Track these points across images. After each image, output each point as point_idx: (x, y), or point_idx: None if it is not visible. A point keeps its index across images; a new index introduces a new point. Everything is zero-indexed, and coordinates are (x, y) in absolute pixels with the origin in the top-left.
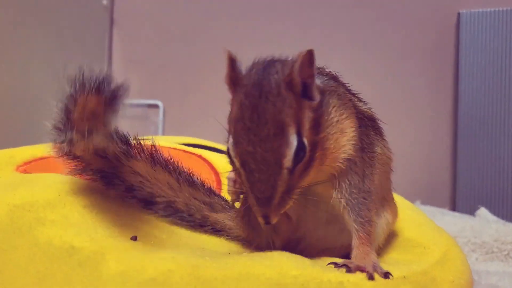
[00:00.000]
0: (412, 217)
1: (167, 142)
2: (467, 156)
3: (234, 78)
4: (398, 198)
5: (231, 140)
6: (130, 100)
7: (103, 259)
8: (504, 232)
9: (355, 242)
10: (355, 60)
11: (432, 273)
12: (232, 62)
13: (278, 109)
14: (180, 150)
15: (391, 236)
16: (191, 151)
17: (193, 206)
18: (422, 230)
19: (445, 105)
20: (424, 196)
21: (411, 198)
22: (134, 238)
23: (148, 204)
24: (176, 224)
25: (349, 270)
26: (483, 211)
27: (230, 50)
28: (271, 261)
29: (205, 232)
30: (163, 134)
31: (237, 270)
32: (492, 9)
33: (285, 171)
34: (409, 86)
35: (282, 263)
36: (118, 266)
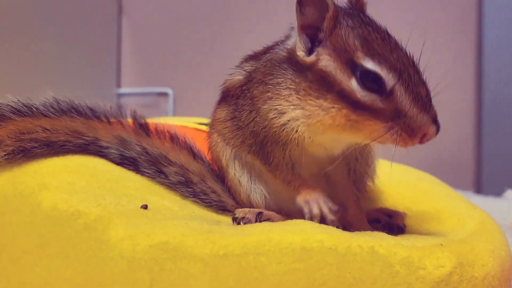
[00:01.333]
0: (441, 190)
1: (180, 121)
2: (492, 136)
3: None
4: (422, 173)
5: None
6: (140, 88)
7: (111, 223)
8: None
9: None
10: None
11: (471, 243)
12: None
13: None
14: (192, 128)
15: (421, 207)
16: (202, 129)
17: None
18: (454, 202)
19: (469, 84)
20: (448, 178)
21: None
22: (145, 207)
23: (159, 172)
24: (187, 198)
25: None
26: (510, 193)
27: None
28: (293, 226)
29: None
30: None
31: (256, 236)
32: None
33: None
34: (431, 65)
35: (305, 228)
36: (127, 230)
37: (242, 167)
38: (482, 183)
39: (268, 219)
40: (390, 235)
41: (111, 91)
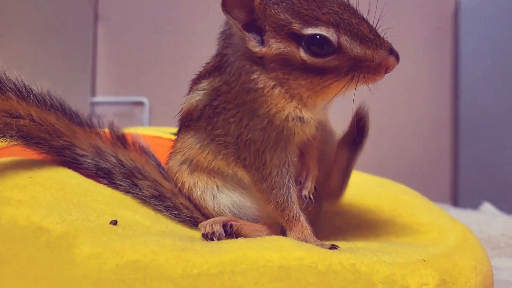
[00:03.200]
0: (422, 204)
1: (155, 132)
2: (469, 149)
3: None
4: (403, 187)
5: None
6: (115, 97)
7: (76, 240)
8: (511, 226)
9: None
10: None
11: (453, 258)
12: None
13: None
14: (166, 138)
15: (402, 221)
16: None
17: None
18: (434, 215)
19: (445, 96)
20: (425, 191)
21: None
22: (114, 223)
23: (134, 185)
24: (161, 212)
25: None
26: (487, 206)
27: None
28: (271, 243)
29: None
30: None
31: (232, 253)
32: None
33: None
34: (408, 77)
35: (284, 245)
36: (94, 248)
37: (207, 184)
38: (459, 196)
39: (238, 229)
40: (370, 250)
41: (85, 99)
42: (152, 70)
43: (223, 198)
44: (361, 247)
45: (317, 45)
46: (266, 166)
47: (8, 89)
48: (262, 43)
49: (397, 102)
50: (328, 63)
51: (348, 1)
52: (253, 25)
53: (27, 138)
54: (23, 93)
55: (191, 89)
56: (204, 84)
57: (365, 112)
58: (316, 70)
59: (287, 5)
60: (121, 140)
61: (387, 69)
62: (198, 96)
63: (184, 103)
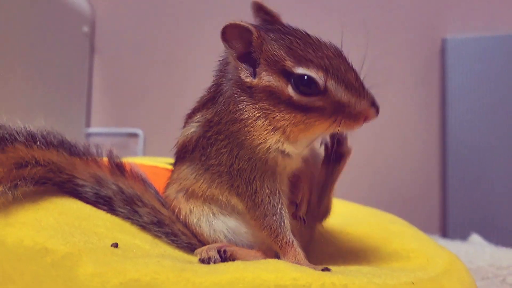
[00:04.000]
0: (411, 233)
1: (151, 161)
2: (457, 182)
3: None
4: (392, 216)
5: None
6: (109, 128)
7: (79, 260)
8: (499, 257)
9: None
10: None
11: (441, 282)
12: None
13: None
14: (162, 168)
15: (391, 248)
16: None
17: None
18: (423, 243)
19: (433, 130)
20: (414, 223)
21: None
22: (115, 245)
23: (134, 212)
24: (159, 238)
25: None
26: (475, 237)
27: None
28: (267, 265)
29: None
30: None
31: (230, 274)
32: (477, 36)
33: None
34: (397, 112)
35: (279, 266)
36: (97, 267)
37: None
38: (448, 227)
39: (233, 254)
40: (361, 273)
41: (79, 130)
42: (147, 102)
43: (218, 224)
44: (353, 270)
45: (305, 84)
46: (257, 194)
47: (16, 140)
48: (255, 75)
49: (387, 135)
50: (313, 102)
51: (341, 50)
52: (248, 57)
53: (38, 183)
54: (29, 141)
55: (186, 123)
56: (198, 116)
57: (343, 138)
58: (301, 107)
59: (284, 43)
60: (119, 168)
61: (366, 119)
62: (192, 128)
63: (180, 136)
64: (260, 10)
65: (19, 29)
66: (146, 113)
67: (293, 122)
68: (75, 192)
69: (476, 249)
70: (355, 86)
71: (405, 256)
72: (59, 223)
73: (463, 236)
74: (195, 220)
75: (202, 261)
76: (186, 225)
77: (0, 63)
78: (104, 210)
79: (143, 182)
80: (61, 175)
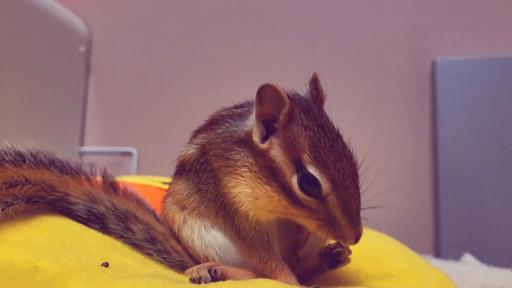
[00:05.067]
0: (402, 252)
1: (144, 180)
2: (449, 202)
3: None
4: (384, 236)
5: (315, 168)
6: (103, 147)
7: (70, 279)
8: (492, 277)
9: None
10: (333, 107)
11: None
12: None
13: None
14: (155, 187)
15: (382, 267)
16: (166, 188)
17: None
18: (414, 263)
19: (425, 151)
20: (408, 243)
21: None
22: (106, 265)
23: (127, 229)
24: (151, 256)
25: None
26: (468, 258)
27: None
28: (258, 284)
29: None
30: None
31: None
32: (466, 58)
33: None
34: (388, 134)
35: (269, 285)
36: (88, 286)
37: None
38: (441, 247)
39: (224, 273)
40: None
41: (73, 148)
42: (141, 122)
43: (209, 240)
44: None
45: (310, 184)
46: (240, 230)
47: (4, 160)
48: (265, 138)
49: (379, 156)
50: (309, 202)
51: (357, 168)
52: (269, 120)
53: (29, 201)
54: (18, 160)
55: (190, 140)
56: (198, 138)
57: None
58: (294, 198)
59: (313, 137)
60: (113, 187)
61: (344, 240)
62: (192, 149)
63: (181, 152)
64: (313, 82)
65: (16, 47)
66: (140, 133)
67: (275, 202)
68: (67, 210)
69: (469, 269)
70: (352, 213)
71: (396, 276)
72: (50, 242)
73: (455, 256)
74: (188, 233)
75: (193, 280)
76: (178, 238)
77: None
78: (95, 229)
79: (137, 200)
80: (53, 193)
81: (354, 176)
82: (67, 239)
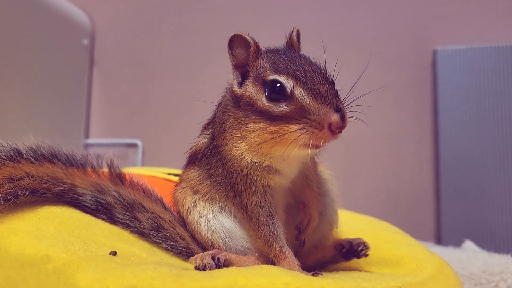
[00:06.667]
0: (402, 239)
1: (149, 171)
2: (450, 190)
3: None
4: (385, 224)
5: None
6: (108, 139)
7: (80, 267)
8: (492, 263)
9: None
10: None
11: (427, 286)
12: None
13: None
14: (161, 178)
15: (382, 254)
16: (171, 179)
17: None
18: (413, 249)
19: (426, 140)
20: (408, 230)
21: None
22: (114, 253)
23: (134, 218)
24: (158, 245)
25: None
26: (468, 244)
27: None
28: (260, 270)
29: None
30: None
31: (224, 279)
32: (466, 47)
33: None
34: (390, 123)
35: (271, 271)
36: (96, 274)
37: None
38: (442, 234)
39: (227, 260)
40: (351, 277)
41: (78, 141)
42: (145, 114)
43: (216, 225)
44: (343, 275)
45: (276, 92)
46: (248, 207)
47: (1, 159)
48: (241, 85)
49: (381, 145)
50: (280, 108)
51: (325, 69)
52: (245, 69)
53: (35, 193)
54: (16, 157)
55: (201, 132)
56: (209, 129)
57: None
58: (270, 116)
59: (272, 59)
60: (120, 177)
61: (330, 126)
62: (203, 139)
63: (193, 143)
64: (289, 34)
65: (20, 41)
66: (144, 124)
67: (259, 131)
68: (75, 201)
69: (469, 255)
70: (323, 94)
71: (396, 262)
72: (59, 232)
73: (457, 243)
74: (196, 218)
75: (197, 268)
76: (186, 222)
77: (0, 75)
78: (103, 219)
79: (144, 189)
80: (60, 185)
81: (321, 74)
82: (76, 229)
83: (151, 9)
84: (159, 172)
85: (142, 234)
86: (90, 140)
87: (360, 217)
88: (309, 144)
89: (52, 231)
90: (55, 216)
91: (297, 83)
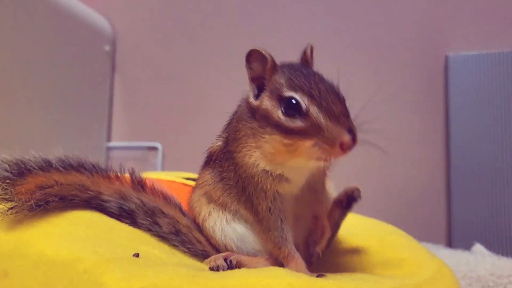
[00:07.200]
0: (405, 243)
1: (168, 176)
2: (461, 194)
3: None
4: (391, 227)
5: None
6: (130, 142)
7: (107, 268)
8: (500, 266)
9: None
10: (347, 103)
11: (423, 287)
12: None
13: None
14: (179, 183)
15: (385, 256)
16: (188, 183)
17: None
18: (415, 252)
19: (437, 145)
20: (420, 234)
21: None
22: (137, 255)
23: (154, 223)
24: (176, 247)
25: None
26: (478, 247)
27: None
28: (269, 272)
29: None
30: None
31: (236, 279)
32: (478, 52)
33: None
34: (402, 128)
35: (278, 273)
36: (122, 274)
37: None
38: (453, 237)
39: (238, 261)
40: (352, 279)
41: (101, 144)
42: (165, 118)
43: (229, 231)
44: (346, 276)
45: (291, 108)
46: (258, 211)
47: (33, 168)
48: (257, 97)
49: (394, 150)
50: (295, 124)
51: (338, 88)
52: (261, 82)
53: (63, 199)
54: (47, 166)
55: (219, 135)
56: (225, 132)
57: (356, 192)
58: (285, 129)
59: (288, 75)
60: (141, 184)
61: (342, 145)
62: (219, 142)
63: (210, 146)
64: (304, 50)
65: (44, 48)
66: (164, 128)
67: (273, 142)
68: (100, 207)
69: (477, 258)
70: (336, 114)
71: (397, 264)
72: (87, 236)
73: (467, 246)
74: (211, 224)
75: (211, 269)
76: (202, 227)
77: (26, 81)
78: (126, 223)
79: (163, 195)
80: (87, 192)
81: (334, 93)
82: (102, 232)
83: (170, 15)
84: (178, 176)
85: (162, 237)
86: (112, 143)
87: (368, 221)
88: (320, 158)
89: (81, 234)
90: (83, 220)
91: (311, 101)
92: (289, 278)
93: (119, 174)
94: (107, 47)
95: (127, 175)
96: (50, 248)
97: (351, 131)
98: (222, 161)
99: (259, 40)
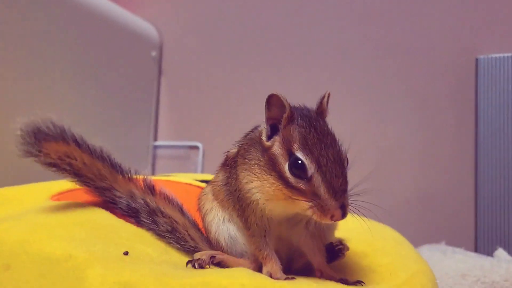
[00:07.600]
0: (391, 249)
1: (187, 179)
2: (488, 198)
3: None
4: (389, 231)
5: (301, 153)
6: (174, 141)
7: (92, 264)
8: None
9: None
10: (379, 107)
11: None
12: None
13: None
14: (195, 186)
15: (367, 262)
16: (203, 186)
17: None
18: (397, 257)
19: (466, 148)
20: (449, 238)
21: (436, 239)
22: (126, 253)
23: (153, 222)
24: (171, 245)
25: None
26: (500, 252)
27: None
28: (229, 272)
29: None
30: (202, 172)
31: (196, 278)
32: (508, 55)
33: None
34: (431, 131)
35: (236, 274)
36: (102, 270)
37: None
38: (479, 242)
39: (221, 261)
40: (316, 282)
41: (148, 143)
42: (207, 119)
43: (223, 230)
44: (312, 281)
45: (297, 167)
46: (247, 221)
47: (69, 138)
48: (270, 137)
49: (421, 155)
50: (298, 184)
51: (345, 159)
52: (276, 122)
53: (78, 175)
54: (79, 143)
55: (237, 142)
56: (242, 141)
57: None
58: (287, 182)
59: (303, 132)
60: (150, 188)
61: (332, 217)
62: (234, 149)
63: (230, 149)
64: (321, 98)
65: (96, 56)
66: (205, 128)
67: (274, 187)
68: (112, 202)
69: (493, 263)
70: (335, 189)
71: (373, 270)
72: (88, 236)
73: (493, 251)
74: (209, 219)
75: (190, 262)
76: (203, 219)
77: (82, 85)
78: (132, 222)
79: (167, 198)
80: (102, 182)
81: (339, 163)
82: (104, 233)
83: (214, 21)
84: (195, 180)
85: (160, 235)
86: (158, 143)
87: (363, 224)
88: (312, 215)
89: (83, 235)
90: (89, 222)
91: (317, 170)
92: (244, 279)
93: (134, 177)
94: (154, 53)
95: (140, 177)
96: (49, 247)
97: (343, 207)
98: (231, 168)
99: (300, 50)
